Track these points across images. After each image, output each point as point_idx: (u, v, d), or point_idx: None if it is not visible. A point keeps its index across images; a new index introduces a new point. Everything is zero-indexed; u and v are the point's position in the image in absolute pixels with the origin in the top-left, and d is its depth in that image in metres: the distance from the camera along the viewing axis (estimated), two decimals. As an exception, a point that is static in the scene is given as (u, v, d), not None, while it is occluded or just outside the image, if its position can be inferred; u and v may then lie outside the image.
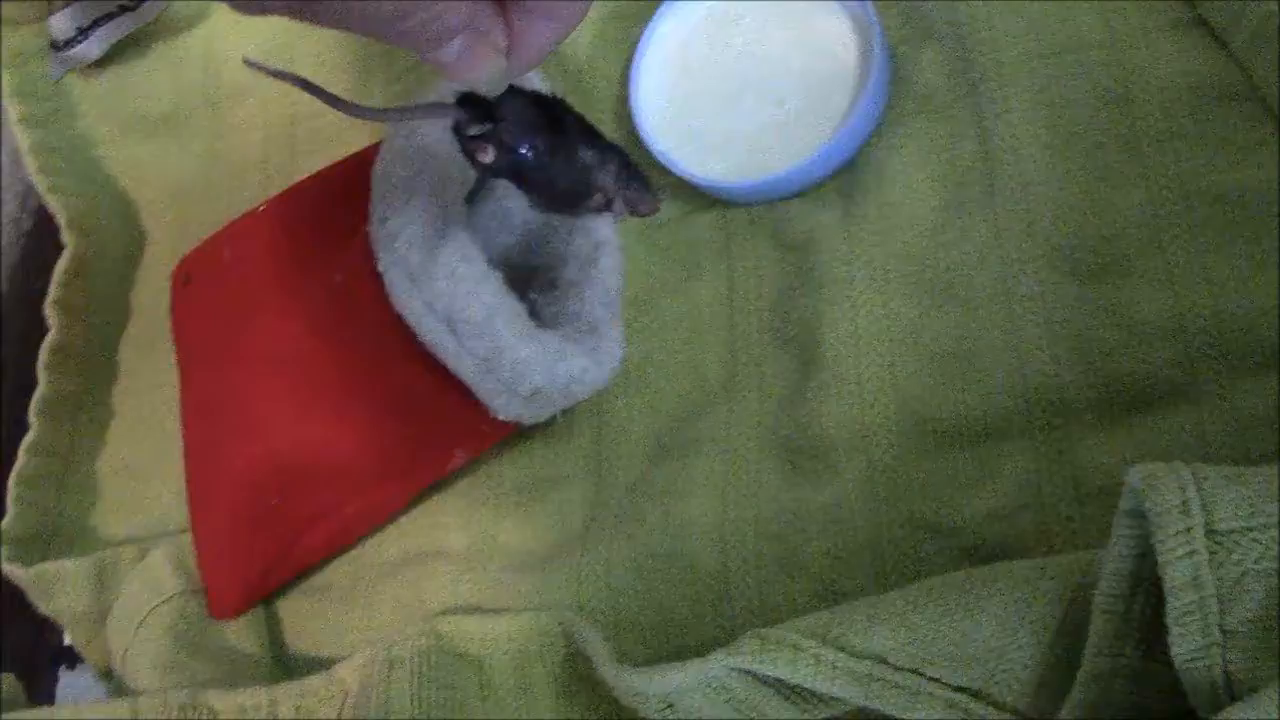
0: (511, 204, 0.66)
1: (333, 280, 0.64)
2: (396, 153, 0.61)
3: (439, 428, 0.65)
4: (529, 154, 0.52)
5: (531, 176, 0.53)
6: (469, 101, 0.51)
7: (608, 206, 0.55)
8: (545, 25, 0.47)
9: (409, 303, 0.59)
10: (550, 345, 0.60)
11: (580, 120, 0.54)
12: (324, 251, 0.65)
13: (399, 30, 0.44)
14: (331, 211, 0.66)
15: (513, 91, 0.51)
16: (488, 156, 0.52)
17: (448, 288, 0.58)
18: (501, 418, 0.62)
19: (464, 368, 0.60)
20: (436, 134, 0.61)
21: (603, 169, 0.54)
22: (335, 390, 0.64)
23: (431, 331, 0.59)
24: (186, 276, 0.71)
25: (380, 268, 0.60)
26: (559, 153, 0.53)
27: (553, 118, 0.53)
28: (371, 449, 0.65)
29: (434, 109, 0.54)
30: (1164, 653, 0.42)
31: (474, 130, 0.51)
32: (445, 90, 0.62)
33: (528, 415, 0.63)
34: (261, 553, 0.67)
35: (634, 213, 0.55)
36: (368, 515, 0.68)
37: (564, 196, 0.54)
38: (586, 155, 0.54)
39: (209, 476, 0.68)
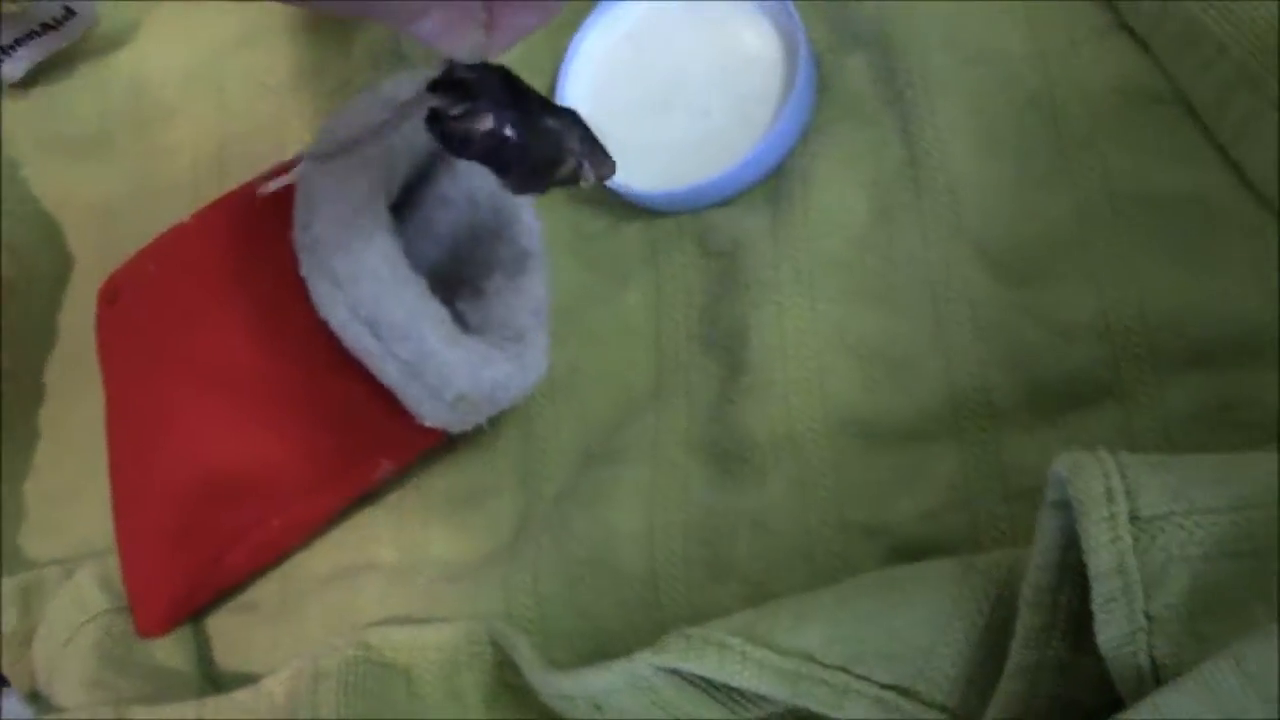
0: (437, 214, 0.65)
1: (257, 289, 0.64)
2: (319, 160, 0.61)
3: (365, 437, 0.64)
4: (510, 126, 0.52)
5: (509, 151, 0.53)
6: (444, 86, 0.51)
7: (575, 175, 0.55)
8: (527, 12, 0.48)
9: (333, 308, 0.59)
10: (475, 350, 0.60)
11: (534, 89, 0.54)
12: (249, 261, 0.65)
13: (382, 5, 0.45)
14: (257, 222, 0.65)
15: (483, 67, 0.51)
16: (488, 123, 0.51)
17: (371, 291, 0.58)
18: (427, 424, 0.62)
19: (388, 373, 0.59)
20: (358, 135, 0.60)
21: (570, 134, 0.54)
22: (260, 401, 0.64)
23: (356, 337, 0.59)
24: (113, 294, 0.71)
25: (304, 273, 0.59)
26: (531, 122, 0.53)
27: (517, 89, 0.53)
28: (297, 460, 0.64)
29: (417, 103, 0.53)
30: (1091, 645, 0.42)
31: (458, 110, 0.51)
32: (376, 103, 0.62)
33: (453, 422, 0.62)
34: (187, 569, 0.66)
35: (599, 177, 0.55)
36: (295, 529, 0.67)
37: (539, 167, 0.54)
38: (552, 122, 0.53)
39: (133, 493, 0.67)
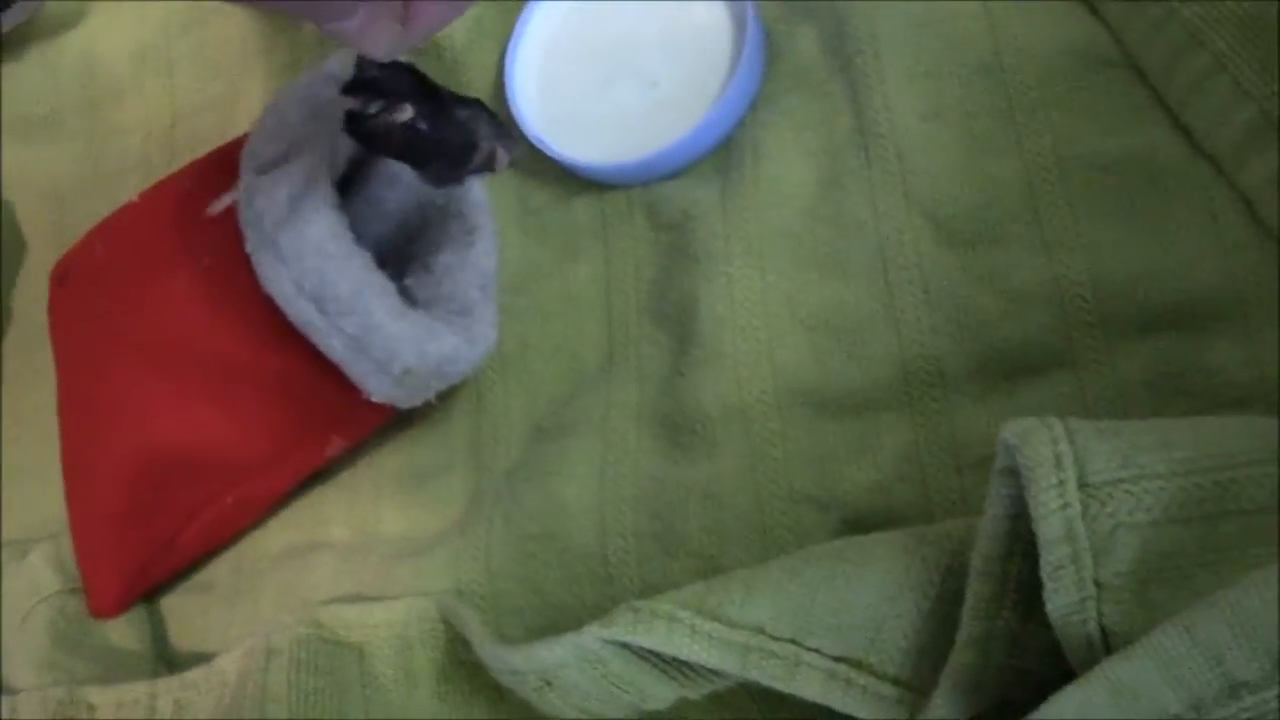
0: (385, 192, 0.65)
1: (203, 267, 0.63)
2: (264, 134, 0.61)
3: (315, 413, 0.64)
4: (424, 119, 0.54)
5: (425, 143, 0.54)
6: (357, 87, 0.53)
7: (491, 161, 0.56)
8: (440, 5, 0.48)
9: (278, 283, 0.58)
10: (421, 324, 0.59)
11: (441, 84, 0.55)
12: (194, 239, 0.64)
13: (308, 3, 0.46)
14: (203, 199, 0.65)
15: (393, 65, 0.52)
16: (405, 114, 0.53)
17: (316, 265, 0.57)
18: (375, 399, 0.61)
19: (334, 348, 0.59)
20: (302, 115, 0.60)
21: (480, 121, 0.55)
22: (208, 379, 0.63)
23: (301, 311, 0.58)
24: (63, 275, 0.70)
25: (249, 249, 0.59)
26: (442, 114, 0.54)
27: (425, 84, 0.54)
28: (247, 437, 0.64)
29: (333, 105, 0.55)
30: (1042, 615, 0.42)
31: (374, 107, 0.53)
32: (320, 80, 0.61)
33: (401, 397, 0.62)
34: (139, 548, 0.66)
35: (511, 161, 0.56)
36: (247, 506, 0.67)
37: (453, 157, 0.55)
38: (463, 112, 0.55)
39: (85, 473, 0.67)
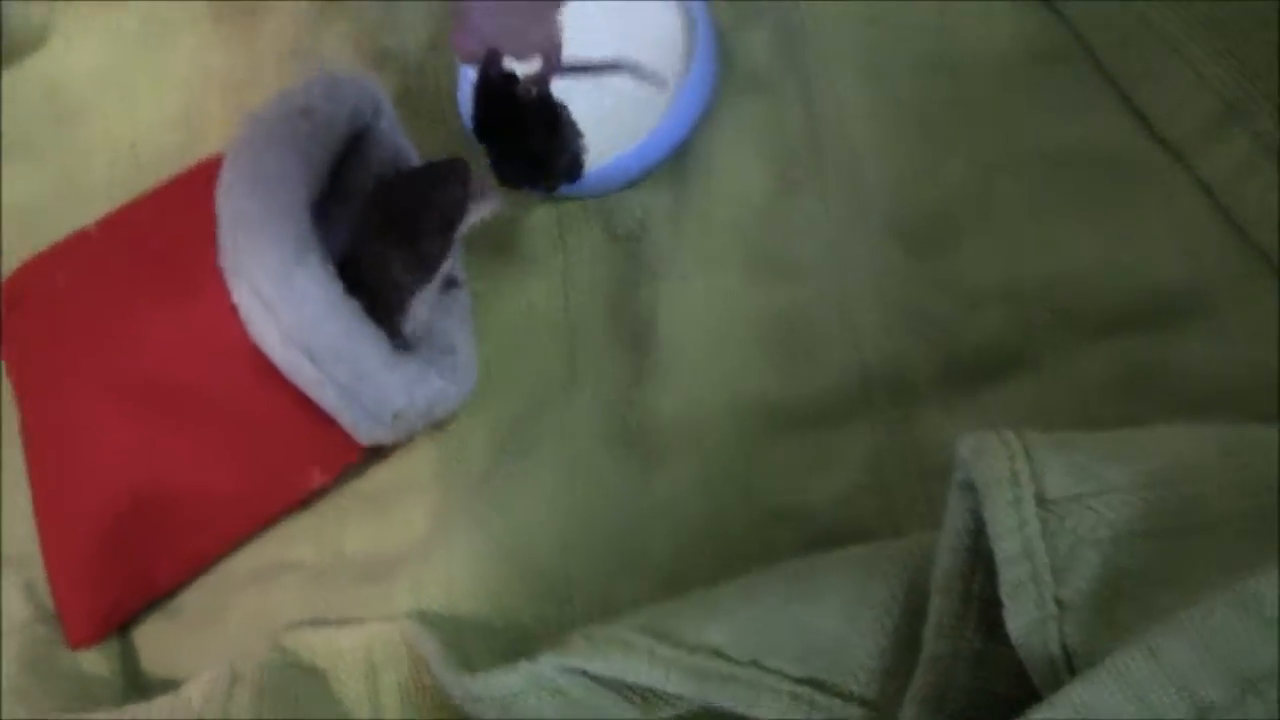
0: (358, 183, 0.64)
1: (180, 307, 0.62)
2: (240, 177, 0.60)
3: (295, 449, 0.63)
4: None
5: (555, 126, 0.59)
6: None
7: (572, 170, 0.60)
8: None
9: (266, 334, 0.58)
10: (411, 370, 0.59)
11: None
12: (166, 275, 0.63)
13: None
14: (170, 231, 0.64)
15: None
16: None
17: (306, 316, 0.57)
18: (364, 442, 0.61)
19: (325, 396, 0.59)
20: (279, 154, 0.59)
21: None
22: (188, 418, 0.63)
23: (291, 361, 0.58)
24: (15, 300, 0.69)
25: (234, 299, 0.58)
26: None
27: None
28: (228, 475, 0.63)
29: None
30: (1005, 633, 0.41)
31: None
32: (288, 111, 0.61)
33: (389, 437, 0.62)
34: (116, 581, 0.65)
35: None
36: (225, 540, 0.66)
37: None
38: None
39: (58, 507, 0.66)
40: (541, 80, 0.58)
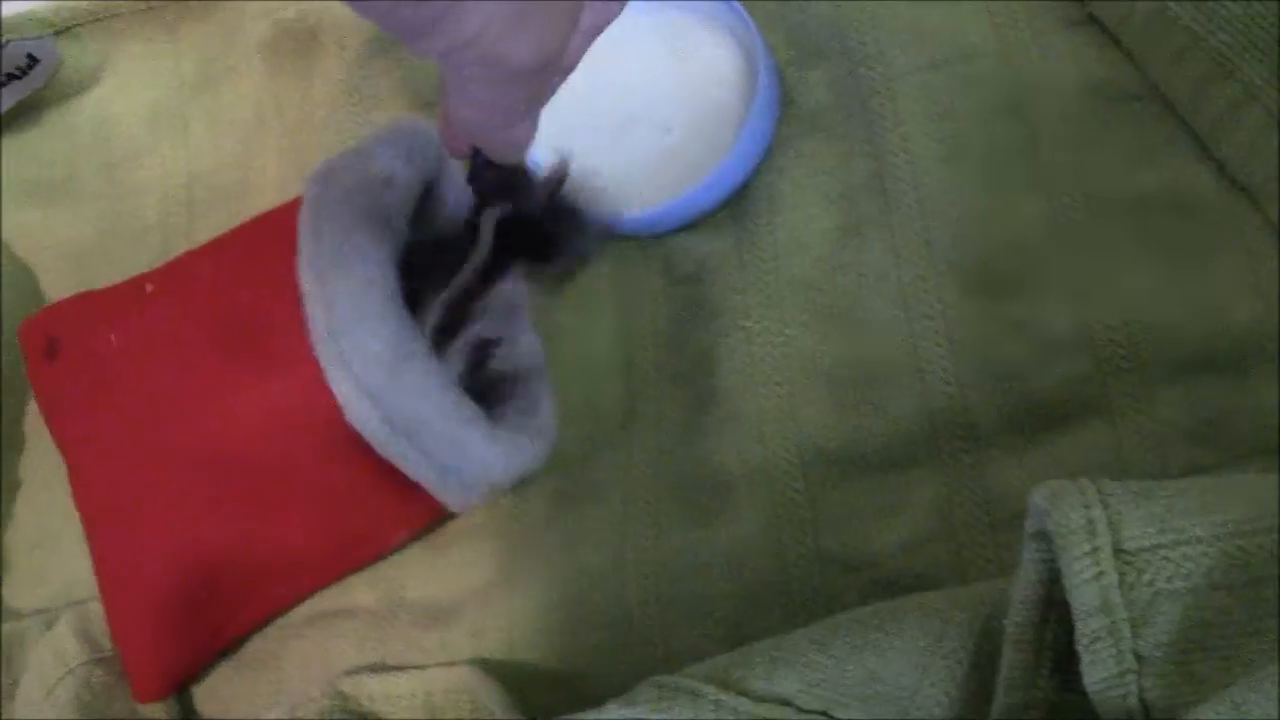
0: (421, 232, 0.64)
1: (263, 382, 0.61)
2: (327, 256, 0.58)
3: (381, 515, 0.63)
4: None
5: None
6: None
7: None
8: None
9: (365, 417, 0.57)
10: (508, 443, 0.59)
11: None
12: (240, 346, 0.62)
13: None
14: (237, 294, 0.63)
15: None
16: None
17: (411, 405, 0.56)
18: (455, 510, 0.61)
19: (424, 476, 0.58)
20: (369, 233, 0.58)
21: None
22: (271, 488, 0.62)
23: (390, 445, 0.57)
24: (49, 348, 0.68)
25: (330, 383, 0.57)
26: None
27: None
28: (311, 542, 0.63)
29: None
30: (1079, 682, 0.40)
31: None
32: (364, 174, 0.60)
33: (479, 501, 0.61)
34: (187, 642, 0.65)
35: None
36: (297, 596, 0.66)
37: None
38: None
39: (124, 571, 0.65)
40: (555, 183, 0.58)
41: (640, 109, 0.67)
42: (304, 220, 0.59)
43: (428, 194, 0.64)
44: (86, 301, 0.68)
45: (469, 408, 0.58)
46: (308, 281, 0.58)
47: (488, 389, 0.61)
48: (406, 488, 0.59)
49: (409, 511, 0.63)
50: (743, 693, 0.46)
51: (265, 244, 0.61)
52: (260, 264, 0.61)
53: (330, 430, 0.58)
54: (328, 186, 0.59)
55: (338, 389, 0.57)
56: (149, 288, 0.66)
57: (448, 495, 0.59)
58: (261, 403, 0.61)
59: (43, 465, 0.76)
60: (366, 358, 0.56)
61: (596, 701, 0.50)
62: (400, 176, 0.60)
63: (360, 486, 0.61)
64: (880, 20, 0.64)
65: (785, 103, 0.65)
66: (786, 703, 0.46)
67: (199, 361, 0.62)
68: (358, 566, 0.65)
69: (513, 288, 0.63)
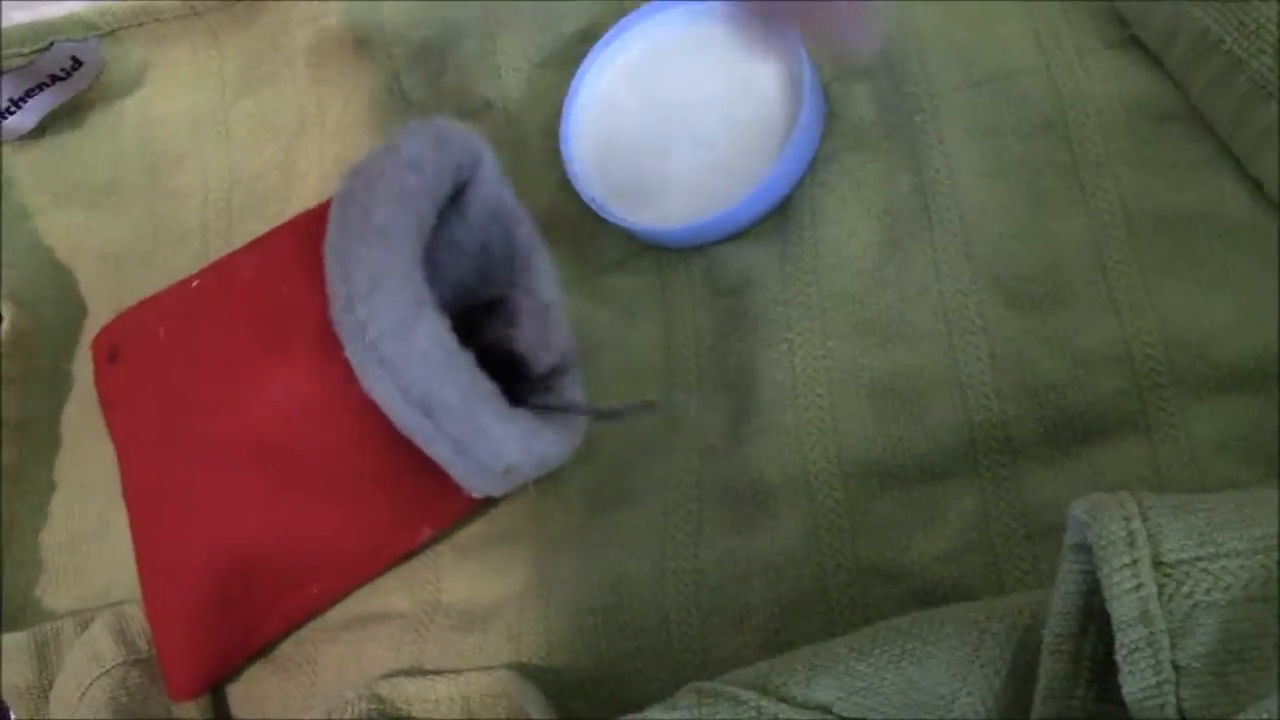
0: (447, 261, 0.64)
1: (289, 368, 0.62)
2: (351, 233, 0.59)
3: (409, 508, 0.63)
4: None
5: None
6: None
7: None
8: None
9: (382, 390, 0.57)
10: (525, 422, 0.59)
11: None
12: (271, 330, 0.63)
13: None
14: (274, 284, 0.64)
15: None
16: None
17: (423, 373, 0.56)
18: (476, 495, 0.61)
19: (439, 451, 0.58)
20: (389, 211, 0.59)
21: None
22: (303, 478, 0.63)
23: (407, 417, 0.57)
24: (113, 352, 0.69)
25: (349, 355, 0.58)
26: None
27: None
28: (339, 534, 0.63)
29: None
30: (1117, 693, 0.40)
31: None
32: (397, 166, 0.61)
33: (500, 490, 0.61)
34: (221, 638, 0.65)
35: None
36: (332, 596, 0.66)
37: None
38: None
39: (164, 564, 0.66)
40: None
41: (685, 123, 0.68)
42: (333, 210, 0.60)
43: (460, 194, 0.64)
44: (145, 305, 0.69)
45: (484, 382, 0.58)
46: (330, 261, 0.59)
47: (512, 383, 0.62)
48: (434, 479, 0.60)
49: (436, 504, 0.64)
50: (783, 699, 0.47)
51: (305, 239, 0.61)
52: (300, 258, 0.62)
53: (357, 417, 0.59)
54: (356, 176, 0.60)
55: (353, 357, 0.58)
56: (195, 284, 0.67)
57: (465, 476, 0.59)
58: (289, 387, 0.62)
59: (78, 468, 0.77)
60: (382, 326, 0.56)
61: (634, 707, 0.51)
62: (427, 163, 0.60)
63: (385, 474, 0.62)
64: (925, 38, 0.64)
65: (829, 117, 0.66)
66: (826, 710, 0.46)
67: (239, 352, 0.63)
68: (386, 565, 0.66)
69: (545, 290, 0.64)
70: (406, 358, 0.56)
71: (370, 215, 0.59)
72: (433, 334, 0.57)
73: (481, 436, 0.58)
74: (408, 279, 0.57)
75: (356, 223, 0.59)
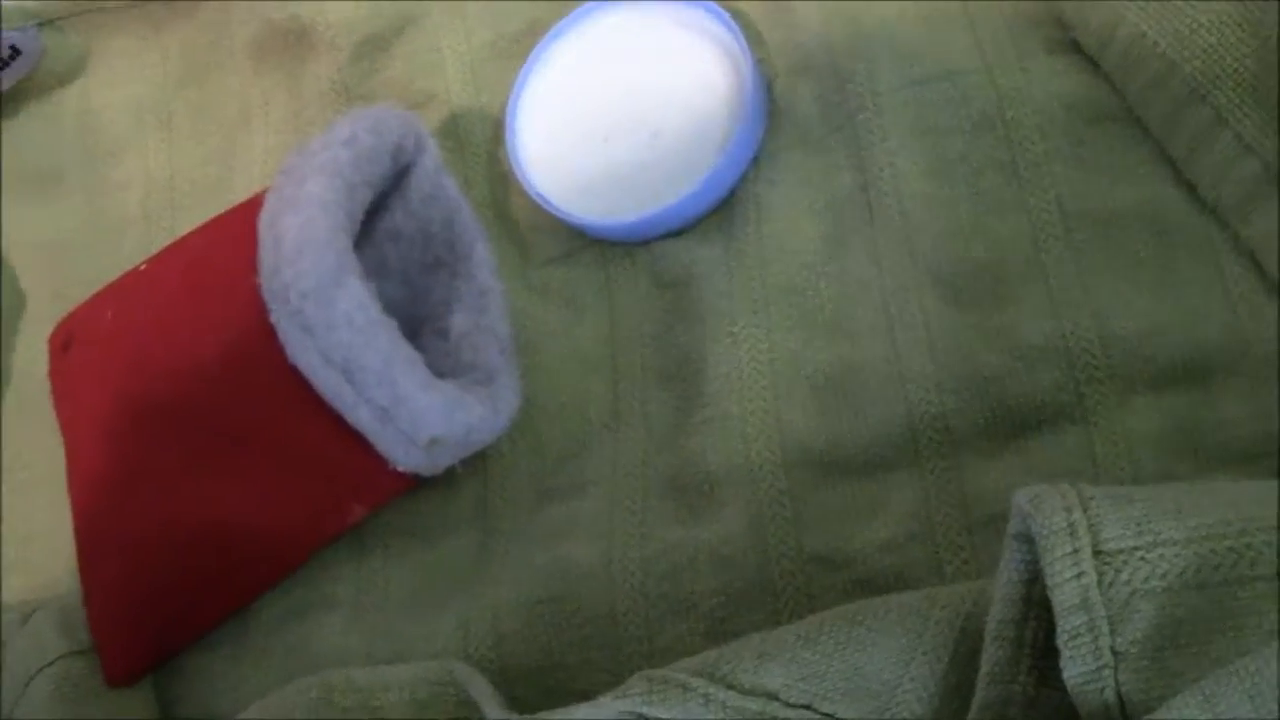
0: (388, 250, 0.65)
1: (222, 337, 0.63)
2: (283, 202, 0.60)
3: (338, 483, 0.64)
4: None
5: None
6: None
7: None
8: None
9: (304, 355, 0.58)
10: (448, 394, 0.59)
11: None
12: (211, 307, 0.64)
13: None
14: (217, 265, 0.64)
15: None
16: None
17: (345, 337, 0.57)
18: (401, 468, 0.61)
19: (362, 418, 0.59)
20: (321, 184, 0.60)
21: None
22: (230, 450, 0.63)
23: (328, 382, 0.58)
24: (66, 341, 0.69)
25: (273, 320, 0.59)
26: None
27: None
28: (269, 509, 0.63)
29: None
30: (1057, 679, 0.41)
31: None
32: (332, 145, 0.61)
33: (426, 466, 0.62)
34: (157, 619, 0.65)
35: None
36: (266, 575, 0.66)
37: None
38: None
39: (101, 545, 0.66)
40: None
41: (630, 118, 0.68)
42: (273, 185, 0.62)
43: (402, 178, 0.65)
44: (99, 294, 0.69)
45: (406, 349, 0.59)
46: (263, 229, 0.60)
47: (439, 359, 0.63)
48: (363, 457, 0.61)
49: (364, 481, 0.64)
50: (731, 686, 0.47)
51: (251, 216, 0.62)
52: (244, 233, 0.62)
53: (285, 386, 0.60)
54: (297, 154, 0.62)
55: (278, 323, 0.59)
56: (143, 267, 0.68)
57: (390, 447, 0.60)
58: (224, 355, 0.62)
59: (21, 462, 0.76)
60: (304, 289, 0.57)
61: (582, 696, 0.51)
62: (363, 139, 0.61)
63: (313, 448, 0.62)
64: (869, 38, 0.65)
65: (774, 115, 0.67)
66: (773, 696, 0.47)
67: (177, 323, 0.64)
68: (317, 544, 0.66)
69: (483, 277, 0.65)
70: (329, 322, 0.57)
71: (303, 184, 0.59)
72: (355, 298, 0.58)
73: (402, 404, 0.58)
74: (331, 245, 0.58)
75: (290, 192, 0.60)
